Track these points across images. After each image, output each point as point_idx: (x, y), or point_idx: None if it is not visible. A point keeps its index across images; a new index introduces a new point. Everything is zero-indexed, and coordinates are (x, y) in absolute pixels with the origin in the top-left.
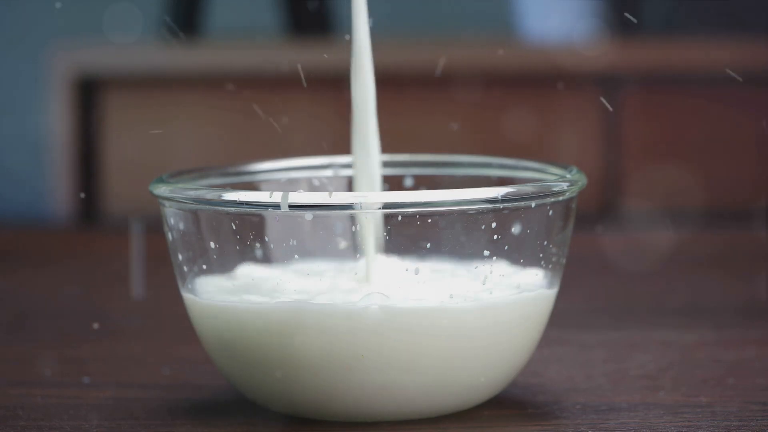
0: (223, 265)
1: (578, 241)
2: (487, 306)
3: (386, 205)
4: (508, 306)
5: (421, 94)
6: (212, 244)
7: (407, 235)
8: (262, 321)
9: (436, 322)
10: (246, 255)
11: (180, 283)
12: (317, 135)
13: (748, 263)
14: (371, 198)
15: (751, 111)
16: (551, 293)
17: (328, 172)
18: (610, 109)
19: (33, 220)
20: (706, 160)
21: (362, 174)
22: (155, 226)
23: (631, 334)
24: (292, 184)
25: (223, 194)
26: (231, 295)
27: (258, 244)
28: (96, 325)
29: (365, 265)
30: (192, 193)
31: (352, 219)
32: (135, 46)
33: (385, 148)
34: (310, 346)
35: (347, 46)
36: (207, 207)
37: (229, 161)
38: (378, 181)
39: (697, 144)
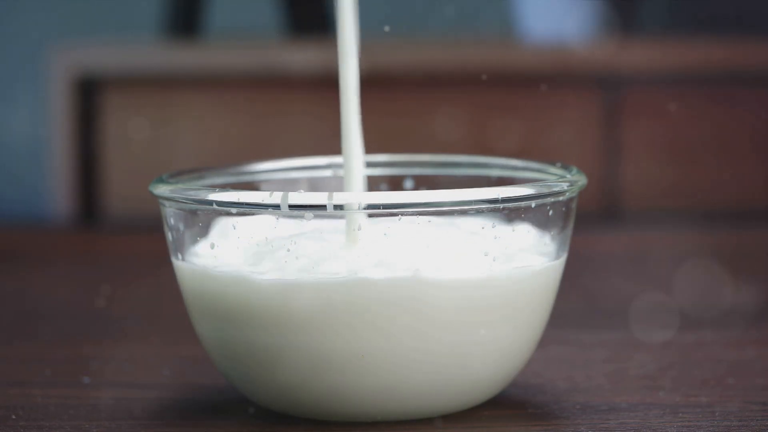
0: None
1: (578, 241)
2: (489, 282)
3: (386, 206)
4: (510, 284)
5: (420, 94)
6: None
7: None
8: (260, 293)
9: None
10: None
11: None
12: (317, 135)
13: (750, 263)
14: (371, 198)
15: (751, 111)
16: (552, 292)
17: (328, 172)
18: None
19: (33, 220)
20: (706, 160)
21: (347, 174)
22: (155, 226)
23: (631, 334)
24: (291, 184)
25: (223, 194)
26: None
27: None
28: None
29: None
30: (192, 193)
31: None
32: (135, 46)
33: (385, 148)
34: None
35: (334, 47)
36: (207, 207)
37: (229, 161)
38: (361, 181)
39: (697, 144)
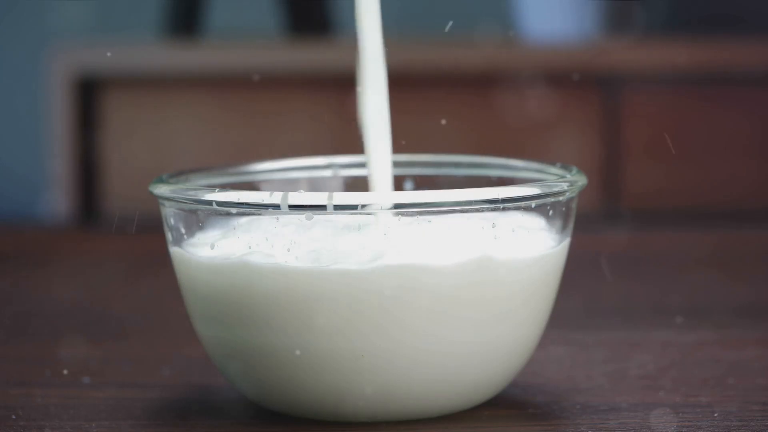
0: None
1: (578, 241)
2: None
3: (386, 206)
4: (510, 280)
5: (420, 94)
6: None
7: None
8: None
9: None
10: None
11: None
12: (317, 135)
13: (748, 263)
14: (371, 199)
15: (751, 111)
16: (551, 291)
17: (328, 172)
18: (443, 122)
19: (33, 220)
20: (706, 160)
21: (372, 174)
22: (155, 226)
23: (631, 334)
24: (291, 184)
25: (223, 194)
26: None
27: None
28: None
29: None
30: (192, 193)
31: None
32: (135, 46)
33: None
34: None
35: (354, 47)
36: (207, 207)
37: (229, 161)
38: (388, 181)
39: (697, 144)
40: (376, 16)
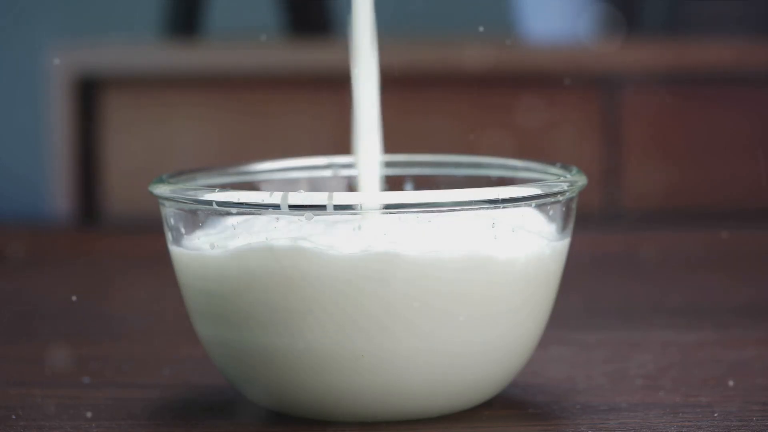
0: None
1: (578, 241)
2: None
3: (386, 206)
4: (510, 280)
5: (420, 94)
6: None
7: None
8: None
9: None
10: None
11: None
12: (317, 135)
13: (748, 263)
14: (371, 199)
15: (750, 111)
16: (551, 291)
17: (328, 172)
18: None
19: (33, 220)
20: (706, 160)
21: (363, 174)
22: (155, 226)
23: (631, 334)
24: (291, 184)
25: (223, 194)
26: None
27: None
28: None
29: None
30: (192, 193)
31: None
32: (135, 46)
33: (386, 148)
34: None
35: (348, 46)
36: (207, 207)
37: (229, 161)
38: (377, 180)
39: (697, 144)
40: (369, 13)
